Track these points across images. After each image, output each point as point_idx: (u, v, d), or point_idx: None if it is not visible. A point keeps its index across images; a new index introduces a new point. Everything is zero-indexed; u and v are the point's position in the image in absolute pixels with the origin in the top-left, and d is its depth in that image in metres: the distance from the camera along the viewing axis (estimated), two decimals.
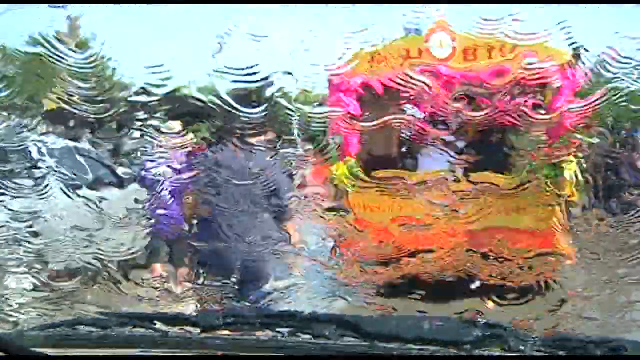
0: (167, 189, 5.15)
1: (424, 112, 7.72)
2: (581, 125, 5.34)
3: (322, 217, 4.46)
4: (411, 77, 5.16)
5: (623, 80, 3.72)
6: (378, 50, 5.22)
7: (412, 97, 6.45)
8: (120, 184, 6.50)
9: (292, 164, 3.44)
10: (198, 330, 1.20)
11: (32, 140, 5.93)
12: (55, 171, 5.50)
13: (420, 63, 5.17)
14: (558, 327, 4.11)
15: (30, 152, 5.53)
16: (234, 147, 4.04)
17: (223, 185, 3.43)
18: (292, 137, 3.47)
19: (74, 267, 5.90)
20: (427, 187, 5.20)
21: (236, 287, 3.48)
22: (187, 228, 4.62)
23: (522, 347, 1.49)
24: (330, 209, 5.51)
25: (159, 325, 1.19)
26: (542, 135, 5.63)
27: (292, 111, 3.43)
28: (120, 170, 7.05)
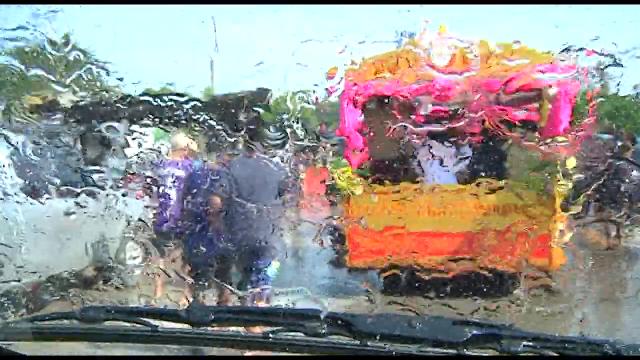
0: (169, 191, 5.17)
1: (424, 120, 7.72)
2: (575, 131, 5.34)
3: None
4: (411, 85, 5.15)
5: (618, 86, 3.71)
6: (378, 58, 5.19)
7: (411, 105, 6.45)
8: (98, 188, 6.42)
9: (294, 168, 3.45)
10: (188, 326, 1.18)
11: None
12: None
13: (419, 72, 5.13)
14: (551, 328, 4.11)
15: None
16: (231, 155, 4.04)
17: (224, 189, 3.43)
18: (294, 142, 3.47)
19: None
20: (428, 195, 5.17)
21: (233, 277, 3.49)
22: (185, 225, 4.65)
23: (515, 348, 1.47)
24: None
25: (148, 320, 1.17)
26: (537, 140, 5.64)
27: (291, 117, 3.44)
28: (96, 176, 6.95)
